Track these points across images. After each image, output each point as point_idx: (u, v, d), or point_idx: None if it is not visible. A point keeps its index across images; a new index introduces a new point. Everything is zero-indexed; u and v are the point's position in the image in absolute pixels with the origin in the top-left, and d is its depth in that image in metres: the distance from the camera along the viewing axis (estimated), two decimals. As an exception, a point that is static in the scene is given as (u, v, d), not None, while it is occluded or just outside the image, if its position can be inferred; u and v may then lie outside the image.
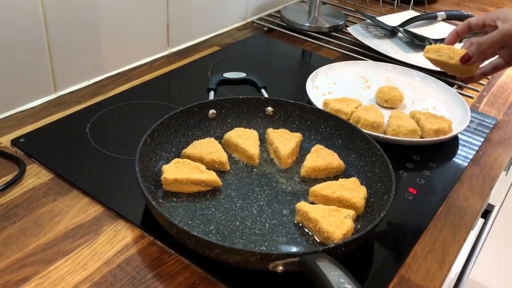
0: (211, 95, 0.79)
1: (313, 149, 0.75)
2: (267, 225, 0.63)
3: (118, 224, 0.63)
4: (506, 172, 1.24)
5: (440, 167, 0.81)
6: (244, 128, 0.77)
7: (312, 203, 0.67)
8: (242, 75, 0.83)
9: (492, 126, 0.95)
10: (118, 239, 0.61)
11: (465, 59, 0.76)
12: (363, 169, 0.73)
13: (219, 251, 0.54)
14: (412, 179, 0.76)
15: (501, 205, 1.52)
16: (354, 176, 0.70)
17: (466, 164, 0.82)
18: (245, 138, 0.74)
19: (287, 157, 0.73)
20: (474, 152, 0.86)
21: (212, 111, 0.77)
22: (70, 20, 0.86)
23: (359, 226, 0.63)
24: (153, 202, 0.57)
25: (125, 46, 0.99)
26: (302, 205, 0.63)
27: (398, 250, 0.64)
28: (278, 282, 0.58)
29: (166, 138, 0.72)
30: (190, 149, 0.71)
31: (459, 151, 0.86)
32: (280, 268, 0.52)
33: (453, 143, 0.87)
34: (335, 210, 0.62)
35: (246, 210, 0.65)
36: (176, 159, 0.68)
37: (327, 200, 0.66)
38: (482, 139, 0.90)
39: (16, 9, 0.77)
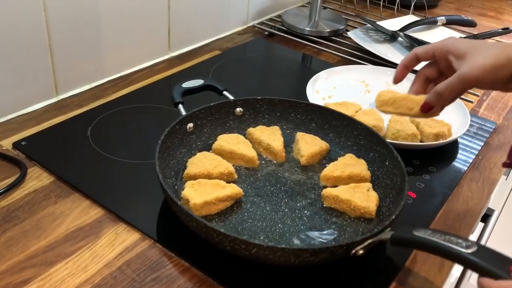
0: (182, 109, 0.75)
1: (298, 137, 0.77)
2: (304, 218, 0.65)
3: (118, 227, 0.64)
4: (506, 177, 1.24)
5: (439, 171, 0.81)
6: (220, 134, 0.76)
7: (325, 186, 0.71)
8: (200, 82, 0.81)
9: (491, 130, 0.95)
10: (118, 242, 0.62)
11: (426, 110, 0.66)
12: (346, 144, 0.78)
13: (307, 255, 0.55)
14: (412, 183, 0.76)
15: (501, 210, 1.52)
16: (341, 153, 0.76)
17: (465, 168, 0.83)
18: (236, 143, 0.74)
19: (282, 150, 0.75)
20: (473, 156, 0.86)
21: (189, 125, 0.74)
22: (72, 24, 0.86)
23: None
24: (223, 230, 0.55)
25: (126, 50, 1.00)
26: (329, 191, 0.67)
27: (397, 254, 0.64)
28: (277, 283, 0.58)
29: (165, 164, 0.68)
30: (193, 169, 0.68)
31: (458, 155, 0.86)
32: (361, 252, 0.56)
33: (452, 147, 0.87)
34: (355, 186, 0.67)
35: (279, 211, 0.66)
36: (190, 182, 0.65)
37: (339, 180, 0.70)
38: (482, 143, 0.90)
39: (18, 12, 0.78)
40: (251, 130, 0.78)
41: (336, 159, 0.74)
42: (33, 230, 0.62)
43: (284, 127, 0.80)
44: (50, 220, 0.64)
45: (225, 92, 0.81)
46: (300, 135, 0.78)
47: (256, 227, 0.63)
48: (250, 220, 0.64)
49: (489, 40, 1.36)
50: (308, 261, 0.55)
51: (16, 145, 0.76)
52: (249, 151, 0.73)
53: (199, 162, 0.69)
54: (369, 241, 0.56)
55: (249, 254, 0.55)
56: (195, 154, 0.72)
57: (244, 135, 0.78)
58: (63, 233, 0.62)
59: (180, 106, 0.76)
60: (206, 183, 0.65)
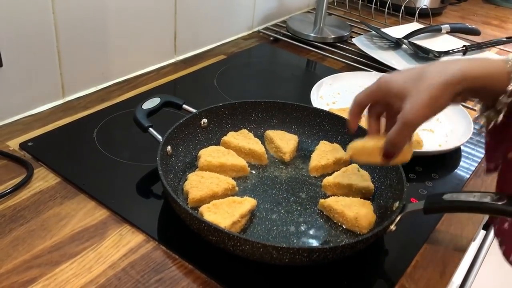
0: (154, 132, 0.71)
1: (269, 136, 0.79)
2: (318, 210, 0.68)
3: (123, 228, 0.64)
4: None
5: (442, 178, 0.81)
6: (194, 150, 0.76)
7: (315, 177, 0.75)
8: (157, 100, 0.77)
9: (494, 138, 0.95)
10: (123, 243, 0.62)
11: (389, 157, 0.58)
12: (311, 132, 0.82)
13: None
14: (415, 190, 0.77)
15: (503, 218, 1.51)
16: (308, 142, 0.81)
17: (468, 176, 0.83)
18: (222, 155, 0.72)
19: (264, 152, 0.76)
20: (476, 164, 0.86)
21: (168, 148, 0.70)
22: (80, 27, 0.87)
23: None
24: (250, 238, 0.55)
25: (133, 54, 1.01)
26: (329, 179, 0.71)
27: (399, 259, 0.65)
28: (281, 286, 0.59)
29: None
30: (197, 192, 0.65)
31: (461, 163, 0.86)
32: (393, 228, 0.60)
33: (455, 155, 0.88)
34: (346, 170, 0.72)
35: (294, 211, 0.68)
36: (205, 206, 0.62)
37: (326, 168, 0.75)
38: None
39: (27, 15, 0.79)
40: (224, 139, 0.76)
41: (307, 149, 0.80)
42: (39, 230, 0.63)
43: (248, 128, 0.81)
44: (55, 220, 0.64)
45: (184, 106, 0.78)
46: (270, 133, 0.79)
47: (284, 232, 0.64)
48: (274, 227, 0.65)
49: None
50: (328, 258, 0.57)
51: (23, 145, 0.77)
52: (238, 161, 0.73)
53: (198, 184, 0.66)
54: (400, 216, 0.60)
55: (255, 254, 0.56)
56: (184, 177, 0.70)
57: (217, 145, 0.76)
58: (69, 233, 0.63)
59: (151, 129, 0.72)
60: (221, 203, 0.63)
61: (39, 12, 0.80)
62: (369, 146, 0.59)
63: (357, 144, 0.61)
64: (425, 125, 0.90)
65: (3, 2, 0.75)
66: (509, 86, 0.50)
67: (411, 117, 0.52)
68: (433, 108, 0.52)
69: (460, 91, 0.52)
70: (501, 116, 0.52)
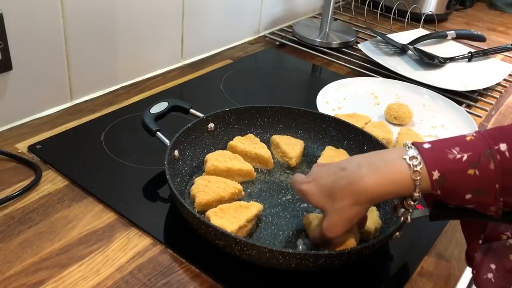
0: (161, 136, 0.72)
1: (276, 140, 0.79)
2: None
3: (130, 232, 0.65)
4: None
5: (447, 185, 0.81)
6: (201, 154, 0.76)
7: None
8: (165, 104, 0.78)
9: (499, 145, 0.95)
10: (130, 246, 0.63)
11: (319, 247, 0.62)
12: (317, 138, 0.83)
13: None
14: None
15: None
16: (314, 147, 0.81)
17: (473, 183, 0.83)
18: (228, 160, 0.73)
19: (270, 157, 0.77)
20: (481, 171, 0.86)
21: (175, 153, 0.71)
22: (89, 31, 0.88)
23: None
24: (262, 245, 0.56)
25: (140, 57, 1.01)
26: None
27: (404, 265, 0.65)
28: (286, 294, 0.59)
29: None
30: (203, 196, 0.66)
31: (466, 169, 0.86)
32: (399, 235, 0.60)
33: (460, 161, 0.88)
34: None
35: (299, 217, 0.68)
36: (212, 210, 0.63)
37: None
38: (490, 158, 0.90)
39: (37, 20, 0.79)
40: (231, 143, 0.77)
41: (313, 154, 0.80)
42: (47, 233, 0.63)
43: (254, 132, 0.81)
44: (63, 223, 0.65)
45: (192, 110, 0.79)
46: (276, 138, 0.80)
47: (290, 237, 0.64)
48: (280, 232, 0.65)
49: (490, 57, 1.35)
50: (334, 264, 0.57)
51: (31, 148, 0.77)
52: (245, 165, 0.73)
53: (205, 188, 0.67)
54: (405, 222, 0.59)
55: (261, 259, 0.56)
56: (191, 181, 0.71)
57: (224, 150, 0.76)
58: (76, 236, 0.63)
59: (159, 133, 0.73)
60: (228, 208, 0.63)
61: (48, 16, 0.81)
62: (314, 225, 0.63)
63: (308, 218, 0.65)
64: (430, 132, 0.92)
65: (13, 6, 0.75)
66: (415, 193, 0.52)
67: (330, 233, 0.57)
68: (348, 224, 0.57)
69: (371, 205, 0.56)
70: (408, 217, 0.57)
